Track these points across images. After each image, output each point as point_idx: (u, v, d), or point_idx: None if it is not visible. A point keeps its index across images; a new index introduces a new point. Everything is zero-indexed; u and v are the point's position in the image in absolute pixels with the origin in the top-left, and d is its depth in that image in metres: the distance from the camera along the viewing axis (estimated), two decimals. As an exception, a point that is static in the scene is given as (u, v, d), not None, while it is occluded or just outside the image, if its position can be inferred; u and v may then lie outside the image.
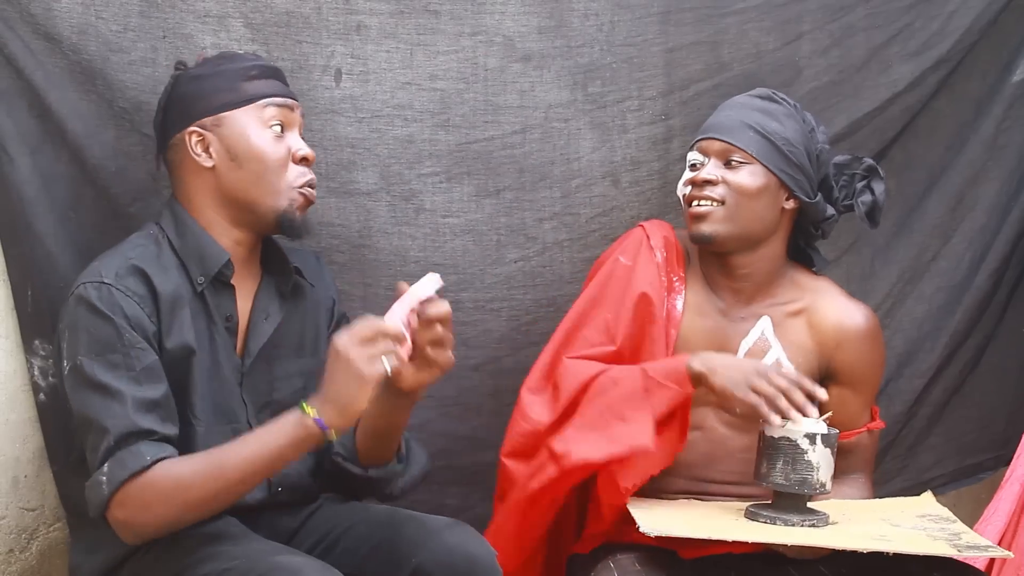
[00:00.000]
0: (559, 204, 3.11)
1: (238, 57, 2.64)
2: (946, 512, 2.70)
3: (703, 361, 2.65)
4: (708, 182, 2.80)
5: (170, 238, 2.56)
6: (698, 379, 2.64)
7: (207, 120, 2.55)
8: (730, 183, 2.79)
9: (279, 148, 2.57)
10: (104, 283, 2.45)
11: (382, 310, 2.97)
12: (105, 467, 2.36)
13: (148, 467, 2.36)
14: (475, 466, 3.13)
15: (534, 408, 2.79)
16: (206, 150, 2.55)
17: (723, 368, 2.63)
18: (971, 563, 2.79)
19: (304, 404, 2.38)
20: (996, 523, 2.98)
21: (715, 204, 2.80)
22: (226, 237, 2.58)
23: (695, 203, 2.82)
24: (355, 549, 2.59)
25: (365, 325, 2.38)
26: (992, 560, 2.95)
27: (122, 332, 2.42)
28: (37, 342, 2.84)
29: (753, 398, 2.59)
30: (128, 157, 2.87)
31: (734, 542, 2.65)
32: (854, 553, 2.66)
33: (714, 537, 2.51)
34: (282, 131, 2.59)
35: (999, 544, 2.96)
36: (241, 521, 2.55)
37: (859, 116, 3.19)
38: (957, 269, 3.31)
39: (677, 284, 2.87)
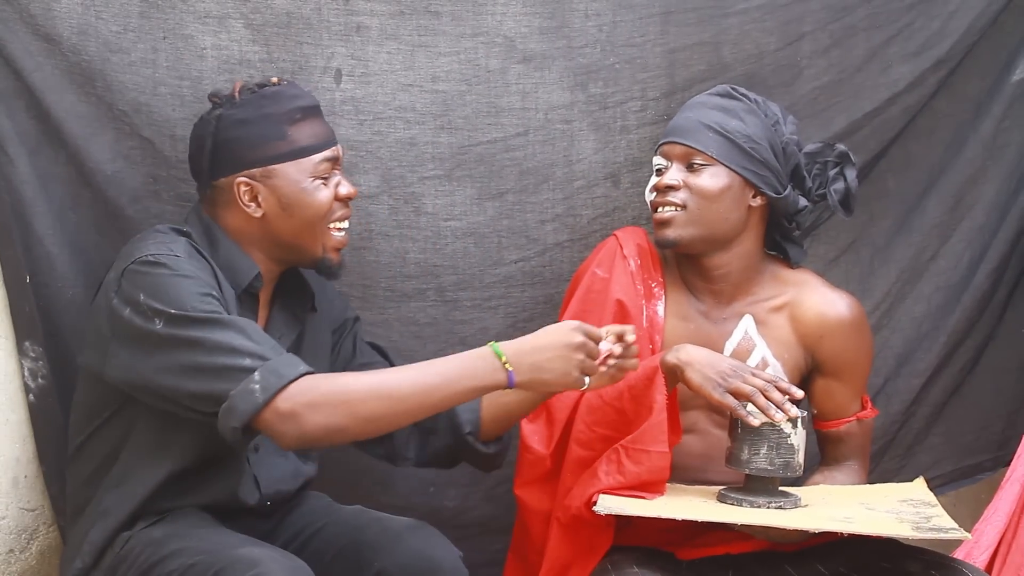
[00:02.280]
0: (561, 206, 3.11)
1: (280, 96, 2.61)
2: (929, 497, 2.69)
3: (677, 355, 2.64)
4: (670, 187, 2.80)
5: (200, 249, 2.57)
6: (672, 373, 2.63)
7: (256, 171, 2.57)
8: (692, 187, 2.79)
9: (327, 195, 2.60)
10: (176, 255, 2.47)
11: (380, 312, 3.00)
12: (256, 375, 2.33)
13: (305, 374, 2.36)
14: (473, 466, 3.13)
15: (533, 439, 2.79)
16: (254, 199, 2.58)
17: (699, 364, 2.62)
18: (970, 562, 2.81)
19: (499, 351, 2.41)
20: (996, 523, 2.98)
21: (677, 209, 2.79)
22: (257, 262, 2.61)
23: (659, 209, 2.81)
24: (323, 551, 2.61)
25: (601, 334, 2.47)
26: (992, 560, 2.96)
27: (212, 288, 2.45)
28: (28, 343, 2.83)
29: (729, 400, 2.58)
30: (127, 159, 2.88)
31: (733, 542, 2.68)
32: (852, 551, 2.68)
33: (664, 516, 2.50)
34: (326, 178, 2.62)
35: (999, 544, 2.97)
36: (215, 518, 2.57)
37: (859, 116, 3.18)
38: (956, 269, 3.30)
39: (656, 290, 2.87)
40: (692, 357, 2.63)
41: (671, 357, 2.64)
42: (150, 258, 2.45)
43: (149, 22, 2.84)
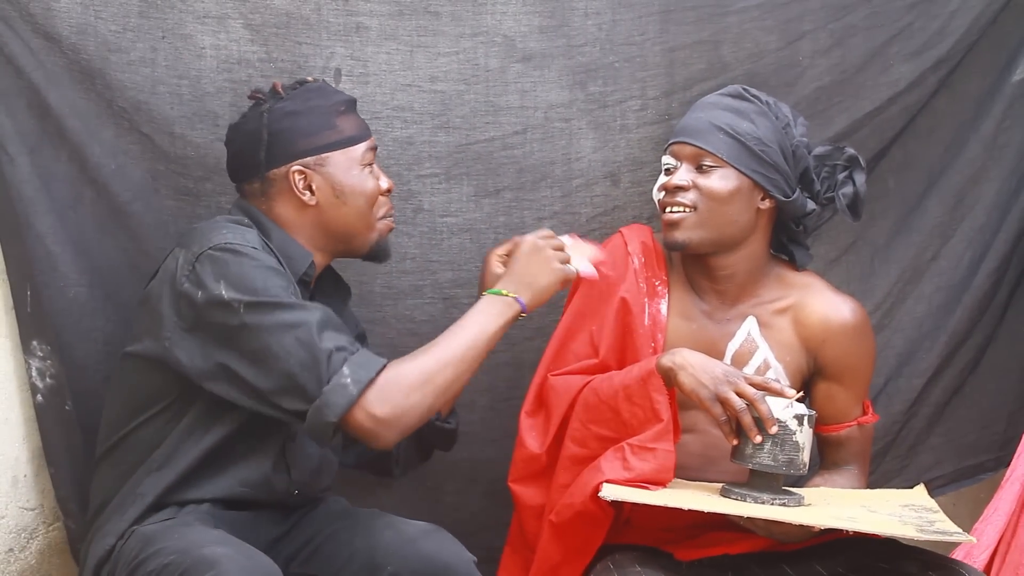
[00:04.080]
0: (559, 204, 3.11)
1: (324, 90, 2.71)
2: (931, 503, 2.68)
3: (672, 358, 2.63)
4: (679, 188, 2.78)
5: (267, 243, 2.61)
6: (667, 376, 2.62)
7: (310, 160, 2.64)
8: (701, 188, 2.78)
9: (374, 184, 2.69)
10: (255, 248, 2.52)
11: (377, 309, 3.03)
12: (345, 369, 2.43)
13: (387, 365, 2.48)
14: (471, 462, 3.12)
15: (530, 435, 2.79)
16: (308, 187, 2.64)
17: (692, 368, 2.61)
18: (968, 563, 2.80)
19: (499, 291, 2.63)
20: (996, 522, 2.98)
21: (687, 211, 2.78)
22: None
23: (668, 210, 2.81)
24: (336, 554, 2.61)
25: (547, 232, 2.70)
26: (991, 560, 2.95)
27: (290, 282, 2.53)
28: (35, 343, 2.83)
29: (717, 411, 2.58)
30: (127, 156, 2.88)
31: (731, 543, 2.68)
32: (851, 552, 2.67)
33: (671, 504, 2.50)
34: (371, 166, 2.70)
35: (999, 544, 2.97)
36: (229, 521, 2.57)
37: (860, 116, 3.17)
38: (957, 269, 3.30)
39: (660, 288, 2.87)
40: (686, 360, 2.62)
41: (666, 360, 2.63)
42: (229, 246, 2.49)
43: (148, 22, 2.85)
